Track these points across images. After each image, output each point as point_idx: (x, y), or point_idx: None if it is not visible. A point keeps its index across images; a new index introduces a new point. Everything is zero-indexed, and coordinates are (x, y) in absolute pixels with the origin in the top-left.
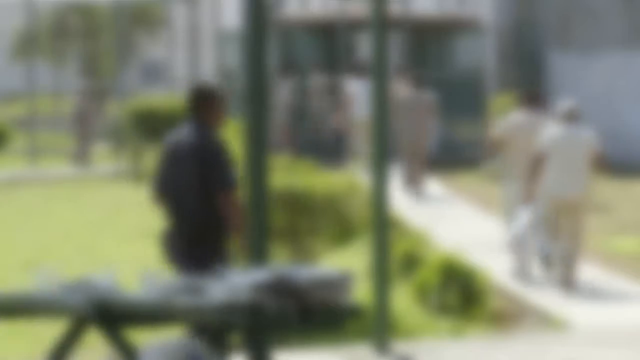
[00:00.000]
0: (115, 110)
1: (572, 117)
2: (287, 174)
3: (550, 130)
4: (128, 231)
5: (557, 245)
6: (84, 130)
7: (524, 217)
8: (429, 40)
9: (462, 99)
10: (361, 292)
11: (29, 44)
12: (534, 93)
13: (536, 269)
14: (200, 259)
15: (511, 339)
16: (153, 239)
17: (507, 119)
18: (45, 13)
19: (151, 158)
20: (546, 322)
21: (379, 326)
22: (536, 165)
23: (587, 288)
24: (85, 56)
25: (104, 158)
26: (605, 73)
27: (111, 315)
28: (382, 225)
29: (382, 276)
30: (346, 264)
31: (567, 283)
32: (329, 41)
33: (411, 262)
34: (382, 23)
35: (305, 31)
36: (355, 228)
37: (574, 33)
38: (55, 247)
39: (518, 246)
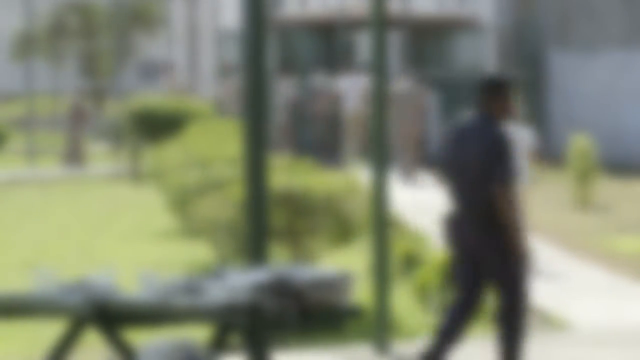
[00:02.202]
0: (114, 110)
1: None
2: (287, 174)
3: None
4: (127, 231)
5: None
6: (77, 130)
7: None
8: (428, 40)
9: (463, 98)
10: (361, 292)
11: (27, 44)
12: None
13: None
14: (484, 244)
15: None
16: (152, 239)
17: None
18: (44, 13)
19: (150, 158)
20: (546, 322)
21: (379, 326)
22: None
23: (587, 288)
24: (83, 56)
25: (103, 158)
26: (605, 72)
27: (110, 316)
28: (382, 225)
29: (382, 276)
30: (346, 264)
31: None
32: (329, 40)
33: (411, 262)
34: (381, 22)
35: (305, 30)
36: (355, 228)
37: (574, 32)
38: (54, 248)
39: None
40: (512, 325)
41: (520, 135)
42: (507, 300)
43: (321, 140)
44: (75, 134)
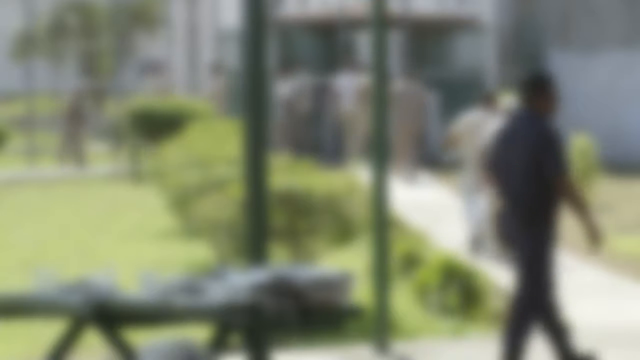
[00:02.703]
0: (114, 110)
1: None
2: (287, 174)
3: (494, 128)
4: (126, 231)
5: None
6: (74, 129)
7: (481, 203)
8: (429, 40)
9: (463, 98)
10: (361, 292)
11: (27, 44)
12: (490, 95)
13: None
14: (531, 239)
15: None
16: (152, 239)
17: (463, 117)
18: (44, 12)
19: (150, 158)
20: None
21: (379, 326)
22: (484, 158)
23: (587, 288)
24: (83, 55)
25: (103, 158)
26: (606, 72)
27: (110, 316)
28: (382, 225)
29: (382, 276)
30: (346, 264)
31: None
32: (329, 40)
33: (411, 262)
34: (382, 22)
35: (305, 30)
36: (355, 228)
37: (574, 32)
38: (54, 248)
39: (478, 227)
40: (524, 318)
41: None
42: (526, 293)
43: (300, 139)
44: (73, 133)
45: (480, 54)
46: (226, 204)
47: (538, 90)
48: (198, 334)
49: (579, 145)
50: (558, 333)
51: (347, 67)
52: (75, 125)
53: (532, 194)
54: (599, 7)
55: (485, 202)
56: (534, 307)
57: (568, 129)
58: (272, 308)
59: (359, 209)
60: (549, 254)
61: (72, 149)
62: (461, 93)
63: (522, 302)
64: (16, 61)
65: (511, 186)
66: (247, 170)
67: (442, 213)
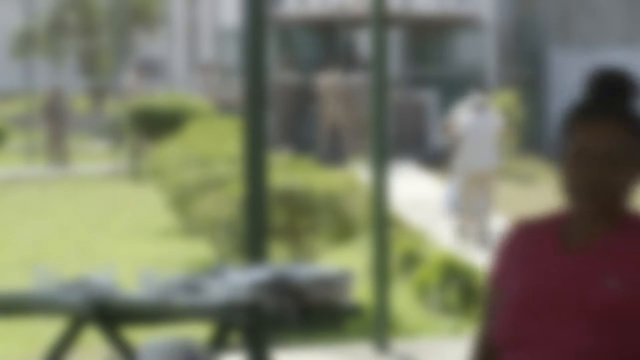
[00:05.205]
0: (114, 108)
1: (482, 107)
2: (287, 173)
3: (464, 117)
4: (126, 230)
5: (472, 207)
6: (55, 127)
7: (452, 187)
8: (429, 38)
9: (462, 96)
10: (361, 291)
11: (27, 42)
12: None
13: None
14: None
15: None
16: (151, 238)
17: (458, 114)
18: (43, 10)
19: (150, 156)
20: None
21: (379, 325)
22: (454, 145)
23: None
24: (83, 54)
25: (102, 156)
26: None
27: (109, 314)
28: (382, 223)
29: (382, 275)
30: (346, 262)
31: (483, 235)
32: (329, 38)
33: (411, 261)
34: (382, 20)
35: (305, 29)
36: (355, 226)
37: (575, 30)
38: (53, 246)
39: (456, 210)
40: None
41: (487, 121)
42: None
43: None
44: (53, 131)
45: (480, 52)
46: (226, 202)
47: None
48: (198, 332)
49: None
50: None
51: (333, 67)
52: (55, 124)
53: None
54: (599, 6)
55: (451, 189)
56: None
57: None
58: (272, 306)
59: (359, 207)
60: None
61: (55, 147)
62: (461, 91)
63: None
64: (16, 59)
65: None
66: (246, 169)
67: (441, 211)
